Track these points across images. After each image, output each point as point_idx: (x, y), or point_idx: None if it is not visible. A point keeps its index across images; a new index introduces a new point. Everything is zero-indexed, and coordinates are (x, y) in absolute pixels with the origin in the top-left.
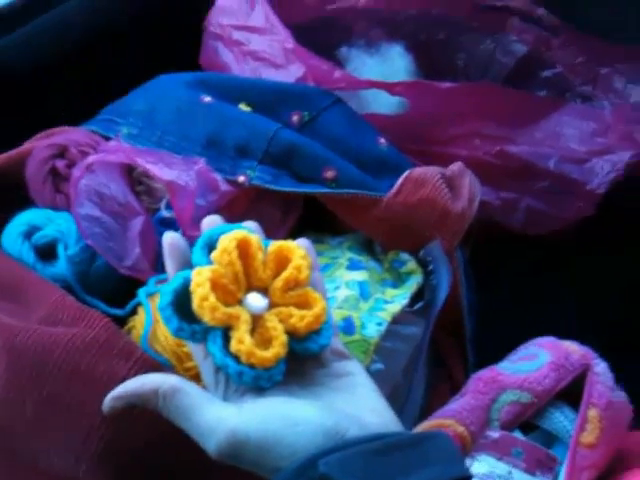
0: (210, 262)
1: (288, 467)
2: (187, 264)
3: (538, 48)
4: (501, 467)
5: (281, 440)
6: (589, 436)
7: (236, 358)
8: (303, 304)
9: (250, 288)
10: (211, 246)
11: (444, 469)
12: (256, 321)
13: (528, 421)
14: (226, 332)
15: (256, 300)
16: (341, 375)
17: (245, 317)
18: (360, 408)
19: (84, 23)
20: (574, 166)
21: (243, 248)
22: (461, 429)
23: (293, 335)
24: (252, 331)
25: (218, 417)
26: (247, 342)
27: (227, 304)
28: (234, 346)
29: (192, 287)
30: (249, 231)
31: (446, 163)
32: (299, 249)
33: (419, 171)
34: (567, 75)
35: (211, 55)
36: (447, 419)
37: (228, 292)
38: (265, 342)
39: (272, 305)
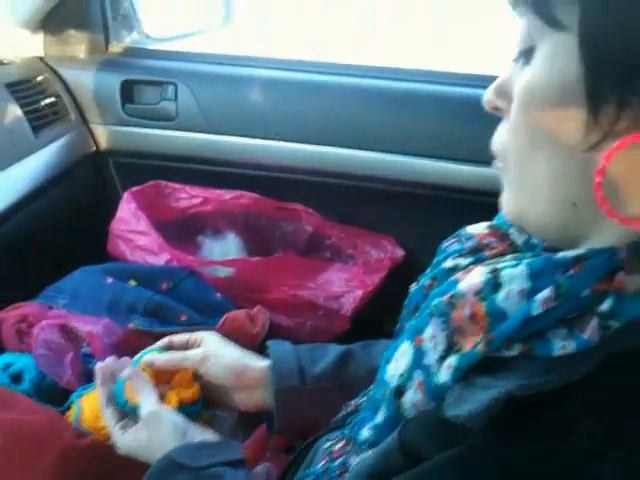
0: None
1: (160, 459)
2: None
3: (320, 229)
4: None
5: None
6: None
7: None
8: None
9: (159, 382)
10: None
11: (229, 455)
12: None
13: None
14: None
15: (161, 387)
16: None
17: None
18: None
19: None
20: (334, 300)
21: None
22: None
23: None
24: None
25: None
26: None
27: None
28: None
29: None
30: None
31: (265, 304)
32: None
33: (234, 312)
34: (338, 243)
35: (115, 247)
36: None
37: None
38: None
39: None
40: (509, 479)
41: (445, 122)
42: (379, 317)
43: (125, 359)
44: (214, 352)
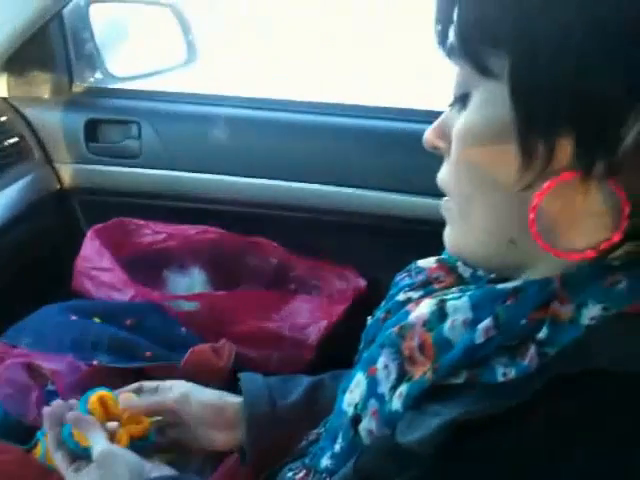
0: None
1: None
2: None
3: (284, 261)
4: None
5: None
6: None
7: None
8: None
9: (110, 419)
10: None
11: None
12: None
13: None
14: None
15: (111, 425)
16: None
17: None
18: (159, 468)
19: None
20: (299, 331)
21: (102, 399)
22: None
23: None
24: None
25: None
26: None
27: None
28: None
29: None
30: (108, 390)
31: (230, 337)
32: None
33: (199, 346)
34: (303, 275)
35: (79, 284)
36: None
37: None
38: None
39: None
40: None
41: (405, 157)
42: (344, 346)
43: (73, 401)
44: (191, 392)
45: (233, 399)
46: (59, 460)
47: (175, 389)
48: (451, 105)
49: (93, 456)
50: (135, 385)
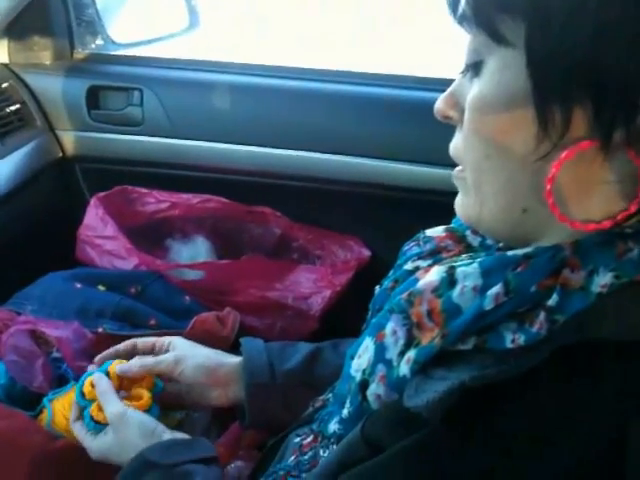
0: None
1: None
2: None
3: (287, 231)
4: None
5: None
6: None
7: None
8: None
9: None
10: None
11: (201, 452)
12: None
13: None
14: None
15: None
16: None
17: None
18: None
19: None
20: (303, 301)
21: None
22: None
23: None
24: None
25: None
26: None
27: None
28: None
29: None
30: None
31: (234, 306)
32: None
33: (204, 315)
34: (306, 245)
35: (82, 253)
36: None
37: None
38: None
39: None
40: (459, 468)
41: (409, 125)
42: (347, 317)
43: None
44: (186, 353)
45: (228, 359)
46: (77, 429)
47: (171, 350)
48: (463, 73)
49: (107, 418)
50: (129, 343)
